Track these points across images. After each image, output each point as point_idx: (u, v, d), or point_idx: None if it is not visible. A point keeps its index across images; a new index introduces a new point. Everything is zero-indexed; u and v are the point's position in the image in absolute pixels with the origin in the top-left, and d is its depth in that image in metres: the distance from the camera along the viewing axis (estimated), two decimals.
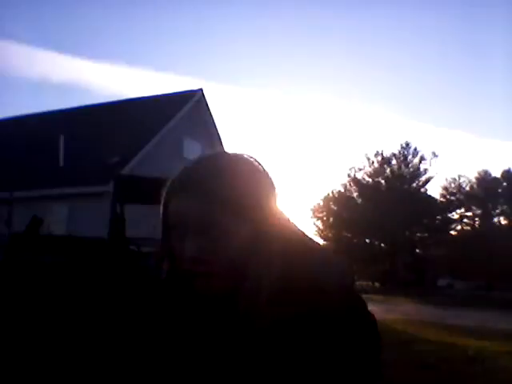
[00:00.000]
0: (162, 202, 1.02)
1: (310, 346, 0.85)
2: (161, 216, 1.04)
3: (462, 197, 44.54)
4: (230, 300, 0.95)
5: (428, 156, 41.13)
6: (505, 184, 44.56)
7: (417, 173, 41.03)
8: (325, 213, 43.58)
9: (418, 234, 40.22)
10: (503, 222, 44.01)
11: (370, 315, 0.86)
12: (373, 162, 41.47)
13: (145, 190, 7.17)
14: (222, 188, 0.89)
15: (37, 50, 55.30)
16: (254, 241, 0.90)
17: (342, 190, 42.61)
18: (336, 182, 44.81)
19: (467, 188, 45.44)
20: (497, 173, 46.05)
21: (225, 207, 0.89)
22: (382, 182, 40.39)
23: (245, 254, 0.91)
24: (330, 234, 42.72)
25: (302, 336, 0.86)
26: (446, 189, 45.08)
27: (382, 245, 40.53)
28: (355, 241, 40.90)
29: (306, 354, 0.85)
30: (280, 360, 0.88)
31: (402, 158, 41.22)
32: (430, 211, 39.04)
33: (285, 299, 0.88)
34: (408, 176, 40.64)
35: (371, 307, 0.93)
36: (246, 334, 0.93)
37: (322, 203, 44.36)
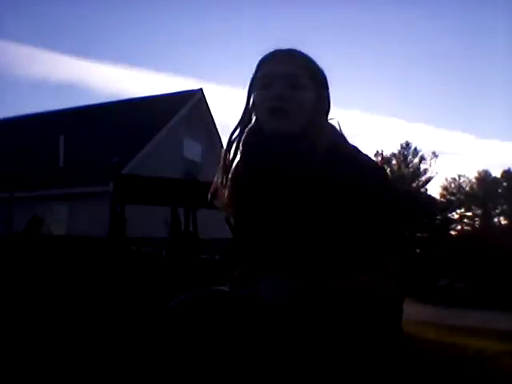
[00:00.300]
0: (255, 69, 1.34)
1: (352, 207, 1.16)
2: (250, 82, 1.35)
3: (462, 197, 44.57)
4: (290, 160, 1.23)
5: (428, 156, 41.20)
6: (505, 184, 44.59)
7: (417, 173, 41.06)
8: None
9: (418, 234, 40.26)
10: (503, 222, 44.06)
11: (394, 187, 1.36)
12: None
13: (145, 189, 7.18)
14: (306, 59, 1.32)
15: (37, 50, 55.34)
16: (317, 112, 1.26)
17: None
18: None
19: (467, 188, 45.47)
20: (497, 173, 46.14)
21: (306, 72, 1.29)
22: (382, 168, 40.33)
23: (311, 116, 1.24)
24: None
25: (346, 197, 1.16)
26: (446, 189, 45.11)
27: None
28: None
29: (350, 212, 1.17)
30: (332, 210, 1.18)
31: (402, 158, 41.25)
32: (430, 211, 39.06)
33: (334, 163, 1.19)
34: (408, 176, 40.67)
35: None
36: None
37: None
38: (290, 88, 1.26)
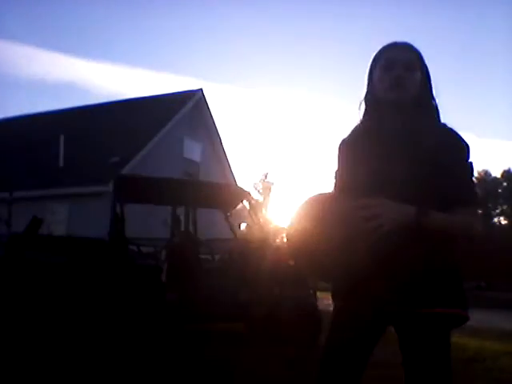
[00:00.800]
0: (373, 57, 1.78)
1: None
2: (370, 64, 1.77)
3: None
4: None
5: None
6: (505, 184, 44.60)
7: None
8: None
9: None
10: (503, 222, 44.06)
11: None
12: None
13: (145, 189, 7.18)
14: (416, 50, 1.74)
15: (36, 50, 55.31)
16: (424, 85, 1.73)
17: None
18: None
19: None
20: (497, 173, 46.13)
21: (416, 59, 1.71)
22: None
23: (420, 89, 1.72)
24: None
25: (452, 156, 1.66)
26: None
27: None
28: None
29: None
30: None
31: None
32: None
33: (442, 131, 1.76)
34: None
35: None
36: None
37: None
38: (407, 70, 1.68)
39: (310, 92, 70.36)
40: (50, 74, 56.54)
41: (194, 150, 17.32)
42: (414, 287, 1.54)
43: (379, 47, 1.79)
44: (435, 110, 1.79)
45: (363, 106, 1.80)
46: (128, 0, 56.23)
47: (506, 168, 45.07)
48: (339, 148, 1.87)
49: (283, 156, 71.14)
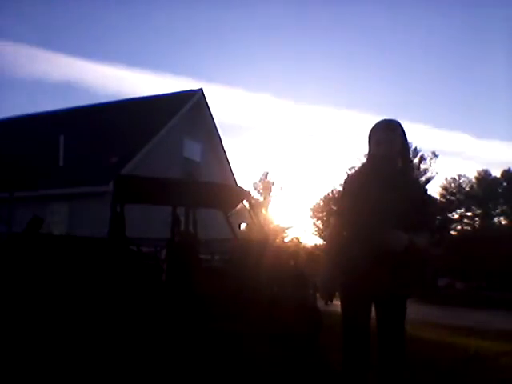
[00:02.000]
0: (370, 133, 2.77)
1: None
2: (368, 137, 2.76)
3: (462, 197, 44.55)
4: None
5: (428, 156, 41.23)
6: (505, 184, 44.59)
7: (417, 173, 41.06)
8: (325, 213, 43.58)
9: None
10: (503, 222, 44.04)
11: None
12: None
13: (145, 189, 7.18)
14: (399, 127, 2.74)
15: (36, 50, 55.32)
16: (404, 153, 2.78)
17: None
18: (336, 182, 44.72)
19: (467, 188, 45.46)
20: (497, 173, 46.13)
21: (398, 136, 2.71)
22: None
23: (400, 155, 2.75)
24: None
25: (420, 197, 2.76)
26: (445, 189, 45.10)
27: None
28: None
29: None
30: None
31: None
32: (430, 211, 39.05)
33: (411, 178, 2.98)
34: None
35: None
36: None
37: (321, 203, 44.36)
38: (390, 144, 2.69)
39: (309, 91, 70.33)
40: (49, 74, 56.63)
41: (194, 150, 17.33)
42: (392, 281, 2.58)
43: (372, 124, 2.80)
44: (411, 169, 2.96)
45: (364, 160, 2.88)
46: (128, 0, 56.26)
47: (506, 168, 45.10)
48: (345, 181, 2.85)
49: (283, 156, 71.08)
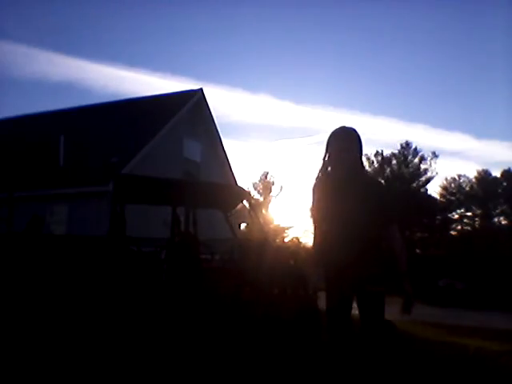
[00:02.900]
0: (328, 140, 3.08)
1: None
2: (326, 144, 3.08)
3: (462, 197, 44.55)
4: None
5: (428, 156, 41.22)
6: (505, 184, 44.57)
7: (417, 173, 41.08)
8: None
9: (418, 234, 40.25)
10: (503, 222, 44.04)
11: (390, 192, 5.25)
12: (373, 162, 41.53)
13: (145, 189, 7.18)
14: (356, 136, 3.09)
15: (36, 50, 55.31)
16: (359, 159, 3.14)
17: None
18: None
19: (467, 188, 45.45)
20: (497, 173, 46.11)
21: (355, 144, 3.07)
22: (382, 182, 40.40)
23: (356, 161, 3.12)
24: None
25: (376, 194, 3.07)
26: (445, 189, 45.10)
27: None
28: None
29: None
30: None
31: (402, 158, 41.27)
32: (430, 211, 39.05)
33: (368, 178, 4.00)
34: (408, 176, 40.68)
35: None
36: None
37: None
38: (347, 151, 3.01)
39: (309, 91, 70.29)
40: (49, 74, 56.56)
41: (194, 150, 17.32)
42: (367, 274, 2.92)
43: (331, 130, 3.09)
44: (365, 170, 3.45)
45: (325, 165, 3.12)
46: (128, 0, 56.24)
47: (506, 168, 45.09)
48: (313, 189, 3.15)
49: (283, 156, 71.03)
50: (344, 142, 3.01)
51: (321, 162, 3.10)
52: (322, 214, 3.05)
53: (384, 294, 2.98)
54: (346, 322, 3.05)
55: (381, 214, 2.94)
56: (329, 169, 3.10)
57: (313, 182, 3.14)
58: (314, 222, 3.12)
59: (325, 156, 3.08)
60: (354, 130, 3.07)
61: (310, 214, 3.14)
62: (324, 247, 3.04)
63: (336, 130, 3.07)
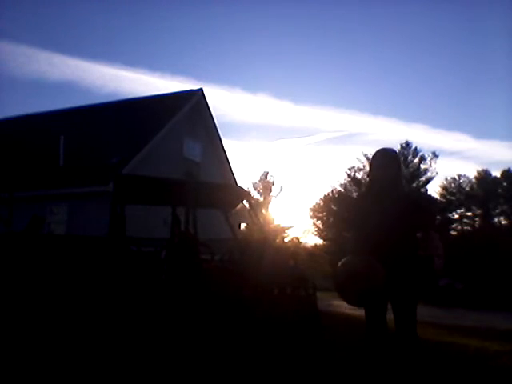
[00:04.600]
0: (371, 158, 3.62)
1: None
2: (369, 164, 3.63)
3: (462, 197, 44.54)
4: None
5: (428, 156, 41.21)
6: (505, 184, 44.57)
7: (417, 173, 41.05)
8: (325, 213, 43.58)
9: (418, 234, 40.16)
10: (503, 222, 44.04)
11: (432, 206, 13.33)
12: None
13: (145, 189, 7.18)
14: (396, 156, 3.64)
15: (36, 50, 55.31)
16: (399, 176, 3.61)
17: (342, 190, 42.60)
18: (336, 182, 44.67)
19: (467, 188, 45.44)
20: (497, 173, 46.11)
21: (395, 163, 3.54)
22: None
23: (397, 177, 3.60)
24: (330, 234, 42.72)
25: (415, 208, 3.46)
26: (445, 189, 45.09)
27: None
28: None
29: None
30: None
31: (402, 158, 41.24)
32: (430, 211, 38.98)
33: (407, 194, 4.14)
34: (408, 176, 40.65)
35: None
36: None
37: (321, 203, 44.35)
38: (383, 169, 3.38)
39: (308, 91, 70.26)
40: (49, 74, 56.53)
41: (194, 150, 17.32)
42: (402, 282, 3.24)
43: (374, 151, 3.52)
44: (402, 185, 3.88)
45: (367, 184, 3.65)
46: (128, 0, 56.26)
47: (506, 168, 45.09)
48: (355, 201, 3.71)
49: (283, 156, 70.99)
50: (381, 161, 3.42)
51: (366, 179, 3.67)
52: (360, 225, 3.40)
53: (417, 301, 3.26)
54: (382, 326, 3.30)
55: (419, 221, 3.33)
56: (367, 184, 3.70)
57: (356, 196, 3.77)
58: (354, 233, 3.48)
59: (368, 173, 3.59)
60: (393, 151, 3.56)
61: (345, 223, 3.75)
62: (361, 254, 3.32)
63: (376, 150, 3.51)
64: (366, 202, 3.45)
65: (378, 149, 3.50)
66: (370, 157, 3.58)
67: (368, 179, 3.60)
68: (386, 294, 3.22)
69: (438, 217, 40.55)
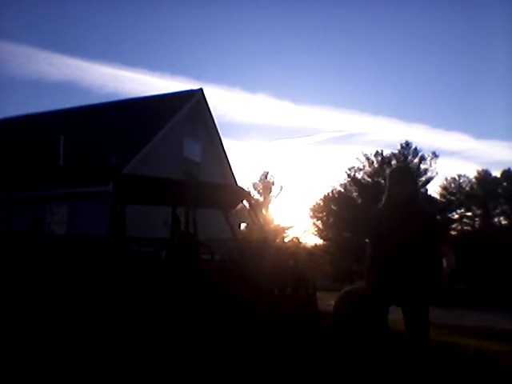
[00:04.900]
0: (388, 175, 3.88)
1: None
2: (387, 179, 3.85)
3: (462, 197, 44.54)
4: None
5: (428, 156, 41.21)
6: (505, 184, 44.57)
7: (417, 173, 41.03)
8: (325, 213, 43.56)
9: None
10: (503, 222, 44.03)
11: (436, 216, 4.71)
12: (372, 162, 41.50)
13: (145, 189, 7.18)
14: (411, 173, 4.10)
15: (36, 50, 55.30)
16: (415, 191, 3.82)
17: (342, 190, 42.59)
18: (336, 182, 44.62)
19: (467, 188, 45.44)
20: (497, 173, 46.11)
21: (411, 180, 3.82)
22: (382, 182, 40.38)
23: (413, 191, 3.78)
24: (330, 234, 42.71)
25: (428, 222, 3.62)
26: (445, 189, 45.09)
27: None
28: (355, 241, 40.88)
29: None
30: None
31: (402, 158, 41.23)
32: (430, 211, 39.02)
33: (420, 208, 3.75)
34: None
35: None
36: None
37: (321, 203, 44.34)
38: (399, 185, 3.64)
39: (308, 91, 70.24)
40: (49, 74, 56.49)
41: (194, 150, 17.32)
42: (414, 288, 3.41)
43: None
44: (418, 201, 3.73)
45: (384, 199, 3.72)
46: (128, 0, 56.25)
47: (506, 168, 45.09)
48: (373, 216, 3.77)
49: (283, 156, 70.98)
50: (397, 177, 3.67)
51: (384, 195, 3.77)
52: (376, 236, 3.63)
53: (428, 306, 3.43)
54: (383, 329, 3.53)
55: (431, 235, 3.48)
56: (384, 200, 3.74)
57: (373, 212, 3.85)
58: (370, 242, 3.69)
59: (384, 189, 3.76)
60: (408, 168, 4.21)
61: (367, 235, 3.87)
62: (376, 265, 3.53)
63: (392, 167, 4.03)
64: (381, 216, 3.67)
65: (393, 167, 3.96)
66: (387, 174, 3.83)
67: (386, 195, 3.73)
68: (387, 302, 3.47)
69: (438, 217, 40.56)
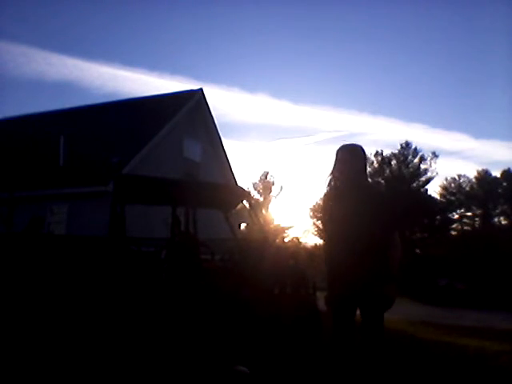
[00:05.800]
0: (336, 153, 3.41)
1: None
2: (335, 158, 3.36)
3: (462, 197, 44.55)
4: None
5: (428, 156, 41.21)
6: (505, 184, 44.58)
7: (417, 173, 41.04)
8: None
9: (418, 234, 40.23)
10: (503, 222, 44.04)
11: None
12: (373, 162, 41.47)
13: (145, 189, 7.18)
14: (360, 150, 3.40)
15: (36, 50, 55.30)
16: (363, 170, 3.41)
17: None
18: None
19: (467, 188, 45.45)
20: (497, 173, 46.12)
21: (359, 157, 3.37)
22: (382, 182, 40.40)
23: (360, 172, 3.42)
24: None
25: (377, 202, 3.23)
26: (445, 189, 45.09)
27: None
28: None
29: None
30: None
31: (402, 158, 41.23)
32: (430, 211, 39.04)
33: (369, 187, 3.49)
34: (408, 176, 40.66)
35: None
36: None
37: (321, 203, 44.26)
38: (346, 163, 3.27)
39: (307, 91, 70.23)
40: (49, 74, 56.49)
41: (194, 150, 17.32)
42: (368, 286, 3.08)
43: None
44: (367, 180, 3.45)
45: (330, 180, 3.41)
46: (128, 1, 56.26)
47: (506, 168, 45.09)
48: (324, 200, 3.48)
49: (283, 156, 70.98)
50: (344, 155, 3.29)
51: (328, 177, 3.39)
52: (326, 221, 3.41)
53: (383, 310, 3.12)
54: (350, 330, 3.21)
55: (382, 222, 3.08)
56: (333, 181, 3.39)
57: (322, 193, 3.47)
58: (324, 230, 3.49)
59: (332, 170, 3.36)
60: (356, 146, 3.37)
61: (320, 221, 3.77)
62: (331, 255, 3.26)
63: (341, 146, 3.37)
64: (329, 201, 3.36)
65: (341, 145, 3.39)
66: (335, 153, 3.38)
67: (330, 176, 3.37)
68: (354, 301, 3.15)
69: (438, 217, 40.51)
